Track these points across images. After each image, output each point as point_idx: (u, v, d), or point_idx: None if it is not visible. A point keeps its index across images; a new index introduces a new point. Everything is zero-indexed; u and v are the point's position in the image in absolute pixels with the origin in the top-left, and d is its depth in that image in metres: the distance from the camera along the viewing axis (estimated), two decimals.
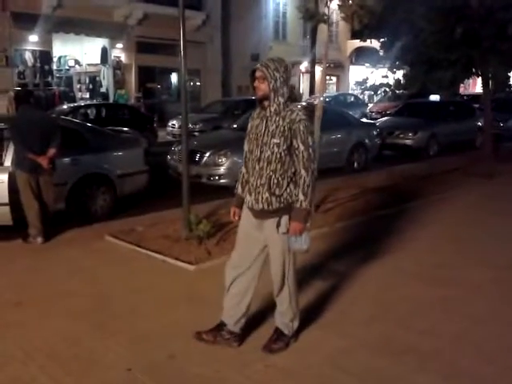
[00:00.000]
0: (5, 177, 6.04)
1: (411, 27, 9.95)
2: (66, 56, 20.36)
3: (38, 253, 5.75)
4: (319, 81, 25.78)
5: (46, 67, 19.07)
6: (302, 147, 3.23)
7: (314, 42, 26.10)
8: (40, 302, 4.42)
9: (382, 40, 11.71)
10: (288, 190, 3.29)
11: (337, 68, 32.17)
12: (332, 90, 33.11)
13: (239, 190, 3.56)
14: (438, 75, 10.42)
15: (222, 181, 8.91)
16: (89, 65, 21.20)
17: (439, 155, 13.40)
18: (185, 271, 5.11)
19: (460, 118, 14.71)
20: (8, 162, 6.21)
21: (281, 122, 3.24)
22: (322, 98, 7.32)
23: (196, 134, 14.76)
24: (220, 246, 5.68)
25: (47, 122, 6.23)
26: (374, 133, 12.21)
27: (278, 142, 3.23)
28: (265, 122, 3.32)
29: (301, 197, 3.24)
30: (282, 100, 3.27)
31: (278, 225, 3.32)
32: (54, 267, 5.30)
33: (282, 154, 3.24)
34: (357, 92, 27.59)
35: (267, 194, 3.28)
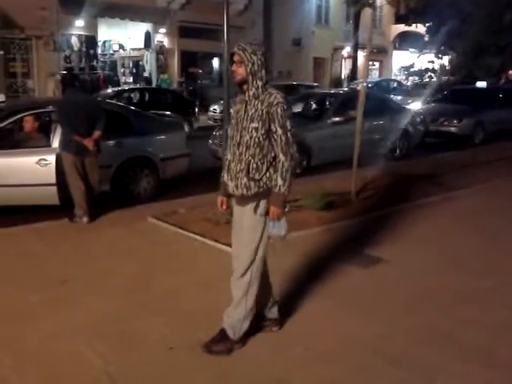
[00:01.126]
0: (52, 158, 6.22)
1: (458, 12, 9.69)
2: (110, 40, 20.67)
3: (84, 232, 5.94)
4: (362, 66, 25.42)
5: (92, 51, 19.48)
6: (279, 131, 3.15)
7: (357, 26, 25.66)
8: (85, 280, 4.57)
9: (427, 25, 11.44)
10: (267, 174, 3.21)
11: (380, 53, 31.58)
12: (375, 75, 32.56)
13: (225, 177, 3.41)
14: (486, 61, 10.12)
15: None
16: (132, 49, 21.46)
17: (485, 143, 13.04)
18: (225, 253, 5.16)
19: (508, 105, 14.24)
20: (55, 144, 6.40)
21: (259, 106, 3.17)
22: (364, 84, 7.22)
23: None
24: None
25: (92, 105, 6.37)
26: (418, 120, 11.97)
27: (257, 126, 3.16)
28: (244, 106, 3.24)
29: (279, 181, 3.16)
30: (260, 83, 3.19)
31: (256, 208, 3.24)
32: (99, 247, 5.46)
33: (261, 138, 3.17)
34: (400, 78, 27.05)
35: (245, 179, 3.20)
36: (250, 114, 3.20)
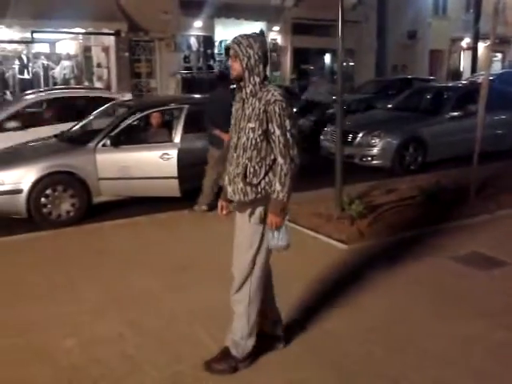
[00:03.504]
0: (174, 152, 6.61)
1: None
2: (226, 40, 21.33)
3: (203, 222, 6.18)
4: (483, 58, 23.98)
5: (209, 51, 20.27)
6: (278, 131, 2.86)
7: (479, 15, 24.21)
8: (202, 267, 4.79)
9: None
10: (266, 179, 2.95)
11: (502, 44, 29.51)
12: (496, 67, 30.54)
13: (225, 180, 3.15)
14: None
15: (374, 162, 8.83)
16: None
17: None
18: (337, 250, 5.20)
19: None
20: (177, 140, 6.79)
21: (257, 104, 2.90)
22: (487, 76, 6.86)
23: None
24: (372, 228, 5.68)
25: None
26: None
27: (254, 126, 2.90)
28: (241, 104, 3.01)
29: (277, 187, 2.88)
30: (258, 80, 2.92)
31: (251, 215, 3.00)
32: (217, 237, 5.64)
33: (258, 139, 2.91)
34: None
35: (242, 184, 2.96)
36: (247, 113, 2.95)
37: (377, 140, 8.83)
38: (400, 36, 24.14)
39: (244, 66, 2.91)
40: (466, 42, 28.18)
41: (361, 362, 3.26)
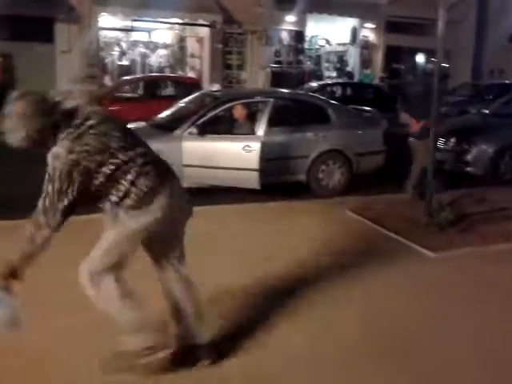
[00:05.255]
0: (257, 145, 6.68)
1: None
2: (317, 35, 21.26)
3: (285, 217, 6.13)
4: None
5: (299, 46, 20.28)
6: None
7: None
8: (283, 260, 4.72)
9: None
10: None
11: None
12: None
13: None
14: None
15: (467, 168, 8.47)
16: (337, 44, 21.79)
17: None
18: (424, 257, 5.01)
19: None
20: (260, 132, 6.87)
21: None
22: None
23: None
24: (463, 236, 5.47)
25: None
26: None
27: None
28: None
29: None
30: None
31: None
32: (295, 232, 5.61)
33: None
34: None
35: None
36: None
37: (470, 146, 8.46)
38: (500, 38, 22.87)
39: None
40: None
41: None
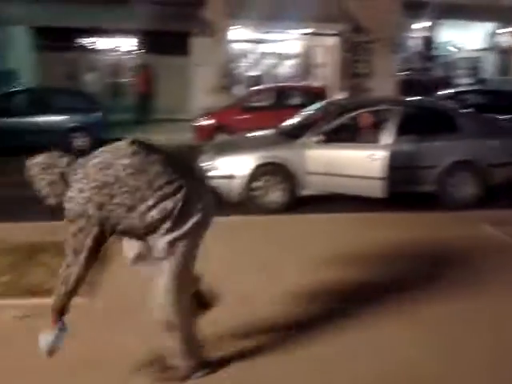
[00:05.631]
0: (381, 154, 6.57)
1: None
2: (448, 42, 20.41)
3: (399, 227, 5.94)
4: None
5: (429, 53, 19.60)
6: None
7: None
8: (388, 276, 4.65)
9: None
10: None
11: None
12: None
13: None
14: None
15: None
16: (471, 50, 20.74)
17: None
18: None
19: None
20: (387, 141, 6.78)
21: None
22: None
23: None
24: None
25: None
26: None
27: None
28: None
29: None
30: None
31: None
32: (402, 246, 5.42)
33: None
34: None
35: None
36: None
37: None
38: None
39: None
40: None
41: None
